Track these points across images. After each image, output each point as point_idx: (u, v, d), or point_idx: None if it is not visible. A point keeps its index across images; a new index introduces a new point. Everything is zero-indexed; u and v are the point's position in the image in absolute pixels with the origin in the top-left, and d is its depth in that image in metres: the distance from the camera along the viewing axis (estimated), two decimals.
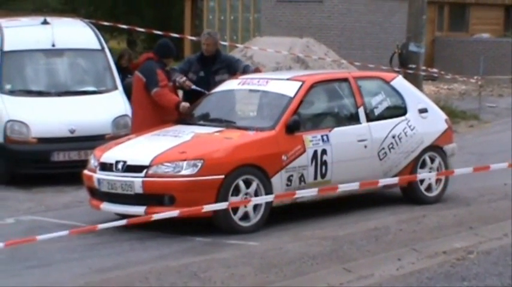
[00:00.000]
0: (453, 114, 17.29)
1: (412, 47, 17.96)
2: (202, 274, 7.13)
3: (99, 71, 12.78)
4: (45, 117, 11.74)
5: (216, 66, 10.45)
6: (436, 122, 10.36)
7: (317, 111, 9.85)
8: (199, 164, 8.60)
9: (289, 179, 9.07)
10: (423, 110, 10.26)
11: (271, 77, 10.19)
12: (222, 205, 7.87)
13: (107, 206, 8.99)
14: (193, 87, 10.23)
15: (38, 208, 10.35)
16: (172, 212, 7.40)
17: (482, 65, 19.20)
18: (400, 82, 10.43)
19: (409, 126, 10.00)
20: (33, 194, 11.06)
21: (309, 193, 8.16)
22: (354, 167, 9.51)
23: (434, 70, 20.94)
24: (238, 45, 21.97)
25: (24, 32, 13.02)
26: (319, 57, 20.23)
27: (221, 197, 8.60)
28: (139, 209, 8.69)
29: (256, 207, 8.84)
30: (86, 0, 35.83)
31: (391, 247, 7.98)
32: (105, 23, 17.57)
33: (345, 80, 9.92)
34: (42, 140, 11.53)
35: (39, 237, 6.77)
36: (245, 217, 8.78)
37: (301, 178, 9.15)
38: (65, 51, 12.71)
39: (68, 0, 36.26)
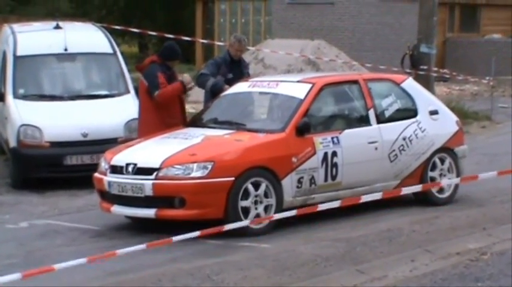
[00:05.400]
0: (465, 115, 17.24)
1: (424, 48, 17.93)
2: (215, 276, 7.13)
3: (111, 75, 12.80)
4: (58, 121, 11.76)
5: (243, 69, 10.94)
6: (447, 123, 10.30)
7: (327, 113, 9.81)
8: (210, 166, 8.57)
9: (299, 181, 9.03)
10: (434, 112, 10.20)
11: (281, 80, 10.17)
12: (243, 223, 7.69)
13: (117, 209, 8.97)
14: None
15: (52, 211, 10.37)
16: None
17: (494, 65, 19.13)
18: (410, 84, 10.36)
19: (420, 128, 9.94)
20: (46, 198, 11.08)
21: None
22: (365, 169, 9.46)
23: (446, 71, 20.88)
24: (249, 47, 21.98)
25: (37, 37, 13.09)
26: (331, 59, 20.22)
27: (231, 199, 8.58)
28: (149, 212, 8.70)
29: (266, 209, 8.82)
30: (98, 4, 35.94)
31: (404, 248, 7.97)
32: (117, 27, 17.61)
33: (355, 82, 9.87)
34: (55, 144, 11.55)
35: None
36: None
37: (312, 180, 9.11)
38: (77, 55, 12.74)
39: (79, 4, 36.37)
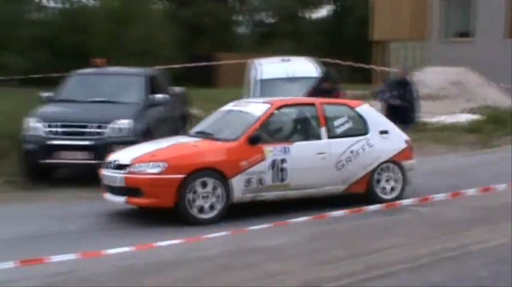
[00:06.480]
0: None
1: None
2: (390, 229, 7.16)
3: None
4: None
5: (408, 87, 10.93)
6: (396, 141, 8.77)
7: (282, 128, 8.44)
8: (164, 165, 7.65)
9: (248, 181, 7.86)
10: (384, 132, 8.71)
11: (253, 101, 9.03)
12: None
13: (107, 196, 8.16)
14: (397, 102, 10.73)
15: None
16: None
17: None
18: (364, 109, 8.84)
19: (368, 144, 8.53)
20: None
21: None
22: (312, 175, 8.19)
23: None
24: (413, 73, 21.49)
25: (274, 66, 13.53)
26: (472, 81, 19.42)
27: (181, 193, 7.62)
28: (122, 199, 7.91)
29: (216, 203, 7.77)
30: (310, 44, 36.64)
31: None
32: (322, 59, 17.85)
33: (312, 104, 8.57)
34: None
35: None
36: (203, 210, 7.74)
37: (260, 181, 7.93)
38: (298, 79, 13.07)
39: (297, 43, 37.16)
